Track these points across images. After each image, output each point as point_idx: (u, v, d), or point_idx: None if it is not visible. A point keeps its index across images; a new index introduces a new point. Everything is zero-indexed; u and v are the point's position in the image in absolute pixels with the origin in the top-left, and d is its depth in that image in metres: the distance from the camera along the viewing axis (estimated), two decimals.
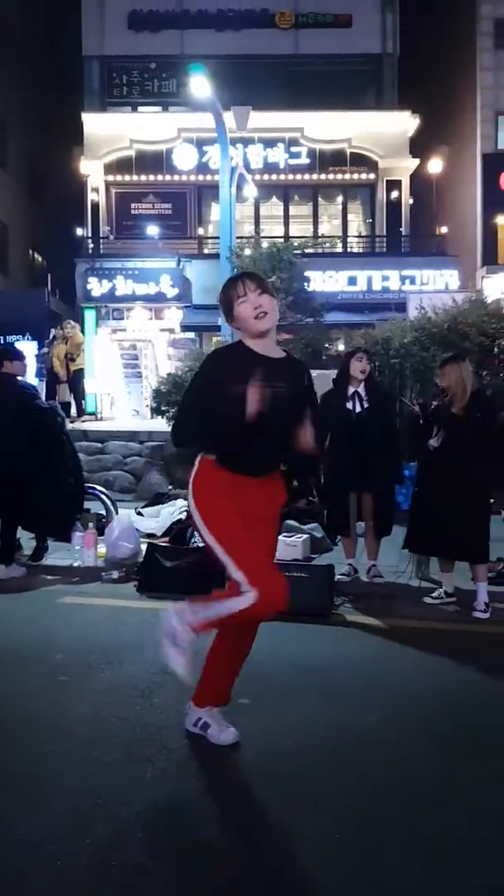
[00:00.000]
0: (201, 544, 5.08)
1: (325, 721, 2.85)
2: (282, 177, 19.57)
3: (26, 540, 5.69)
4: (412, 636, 3.90)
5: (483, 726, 2.83)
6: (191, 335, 17.56)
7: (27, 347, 10.24)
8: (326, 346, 11.03)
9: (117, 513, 6.06)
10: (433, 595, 4.46)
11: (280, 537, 5.16)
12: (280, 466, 2.62)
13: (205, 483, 2.54)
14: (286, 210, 20.15)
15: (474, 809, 2.26)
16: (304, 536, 5.32)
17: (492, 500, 4.43)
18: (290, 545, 5.02)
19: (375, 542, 4.89)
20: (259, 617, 2.47)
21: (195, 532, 5.38)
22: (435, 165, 21.04)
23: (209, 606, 2.49)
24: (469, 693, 3.16)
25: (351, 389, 4.79)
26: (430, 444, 4.43)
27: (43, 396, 6.64)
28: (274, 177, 19.50)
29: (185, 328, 17.49)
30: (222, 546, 2.45)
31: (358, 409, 4.76)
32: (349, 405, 4.77)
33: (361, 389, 4.78)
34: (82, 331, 13.99)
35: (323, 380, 7.72)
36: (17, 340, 14.46)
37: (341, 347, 10.71)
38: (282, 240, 15.09)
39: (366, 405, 4.75)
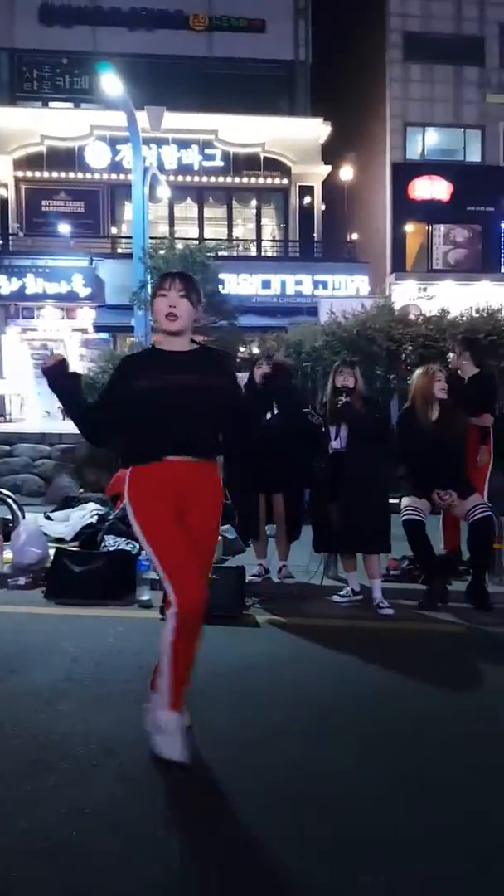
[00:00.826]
0: (112, 548, 5.06)
1: (228, 721, 2.88)
2: (196, 178, 19.58)
3: None
4: (321, 634, 3.98)
5: (389, 720, 2.92)
6: (104, 335, 17.30)
7: None
8: (240, 348, 11.11)
9: (24, 517, 5.90)
10: (341, 593, 4.58)
11: None
12: (209, 455, 2.62)
13: (139, 490, 2.57)
14: (201, 212, 20.18)
15: (381, 806, 2.32)
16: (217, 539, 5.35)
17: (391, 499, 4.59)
18: None
19: (285, 543, 4.98)
20: (186, 625, 2.48)
21: (105, 537, 5.37)
22: (346, 173, 21.62)
23: (161, 671, 2.50)
24: (375, 689, 3.25)
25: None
26: (332, 446, 4.54)
27: None
28: (188, 178, 19.48)
29: (98, 328, 17.21)
30: (156, 554, 2.51)
31: (268, 415, 4.82)
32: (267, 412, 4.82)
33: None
34: None
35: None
36: None
37: (255, 350, 10.82)
38: (196, 241, 15.08)
39: (275, 410, 4.83)
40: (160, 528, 2.52)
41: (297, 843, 2.08)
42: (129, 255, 14.46)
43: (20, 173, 19.27)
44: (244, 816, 2.21)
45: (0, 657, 3.55)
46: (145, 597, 4.64)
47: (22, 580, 5.01)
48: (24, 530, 5.32)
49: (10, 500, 6.05)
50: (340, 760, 2.58)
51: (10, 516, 6.03)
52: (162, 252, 11.65)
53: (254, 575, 4.89)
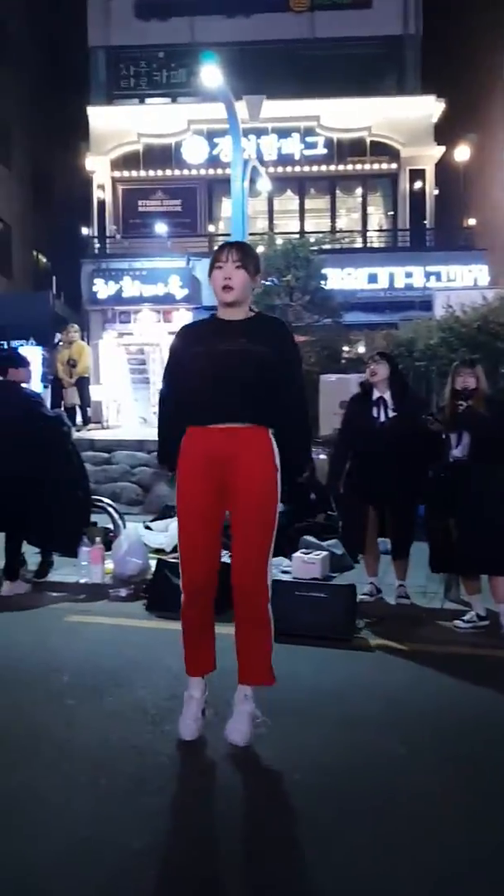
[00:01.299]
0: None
1: (343, 751, 2.86)
2: (297, 169, 19.66)
3: (31, 555, 5.76)
4: (440, 661, 3.90)
5: None
6: None
7: (31, 353, 10.38)
8: (345, 348, 11.06)
9: (125, 527, 6.11)
10: (464, 618, 4.45)
11: (297, 554, 5.19)
12: (256, 421, 2.77)
13: (182, 461, 2.83)
14: (302, 204, 20.24)
15: (500, 845, 2.26)
16: (323, 554, 5.32)
17: None
18: (307, 563, 5.03)
19: (401, 560, 4.89)
20: (190, 600, 2.88)
21: None
22: (462, 153, 20.94)
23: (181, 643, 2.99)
24: (498, 722, 3.15)
25: (376, 394, 4.81)
26: (453, 455, 4.43)
27: (48, 404, 6.72)
28: (289, 169, 19.60)
29: None
30: (179, 525, 2.88)
31: (382, 417, 4.77)
32: (374, 412, 4.79)
33: (388, 396, 4.79)
34: (87, 335, 14.13)
35: (342, 384, 7.73)
36: (21, 346, 14.64)
37: (361, 350, 10.73)
38: (297, 235, 15.16)
39: (391, 413, 4.77)
40: (186, 502, 2.82)
41: (424, 873, 2.04)
42: None
43: (117, 174, 20.02)
44: (364, 845, 2.20)
45: (104, 670, 3.69)
46: None
47: (123, 591, 5.18)
48: (126, 540, 5.50)
49: (110, 509, 6.30)
50: (453, 800, 2.51)
51: (111, 525, 6.28)
52: (261, 248, 11.80)
53: (365, 594, 4.84)
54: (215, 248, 2.92)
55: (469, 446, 4.38)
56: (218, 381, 2.73)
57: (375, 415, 4.76)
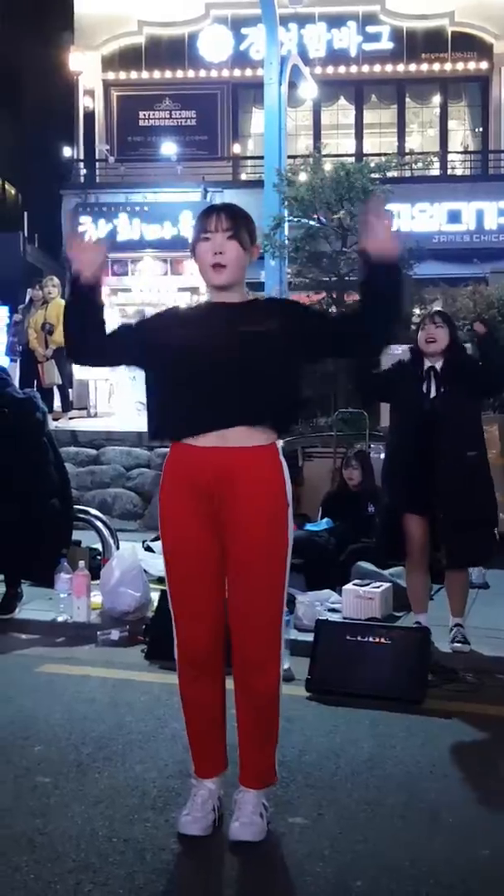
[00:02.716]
0: None
1: (414, 854, 2.84)
2: (353, 69, 19.60)
3: None
4: None
5: None
6: None
7: None
8: (416, 310, 10.97)
9: (118, 548, 6.13)
10: None
11: (349, 587, 5.19)
12: (263, 428, 2.81)
13: (165, 486, 2.90)
14: (359, 117, 20.18)
15: None
16: (384, 586, 5.30)
17: None
18: (363, 598, 5.03)
19: (460, 590, 4.84)
20: (186, 670, 2.93)
21: None
22: None
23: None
24: None
25: (426, 364, 4.80)
26: None
27: (16, 382, 6.76)
28: (342, 69, 19.54)
29: None
30: (166, 574, 2.96)
31: (432, 392, 4.75)
32: (423, 387, 4.78)
33: (440, 366, 4.77)
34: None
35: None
36: None
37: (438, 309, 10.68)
38: (352, 159, 15.08)
39: (443, 389, 4.74)
40: (174, 541, 2.89)
41: None
42: (258, 184, 14.72)
43: (111, 75, 20.14)
44: None
45: (91, 738, 3.70)
46: (283, 665, 4.68)
47: (115, 634, 5.19)
48: (119, 565, 5.52)
49: (98, 524, 6.33)
50: None
51: (99, 546, 6.31)
52: (304, 176, 11.77)
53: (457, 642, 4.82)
54: (204, 213, 2.90)
55: None
56: (212, 382, 2.77)
57: (424, 390, 4.75)
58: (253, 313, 2.88)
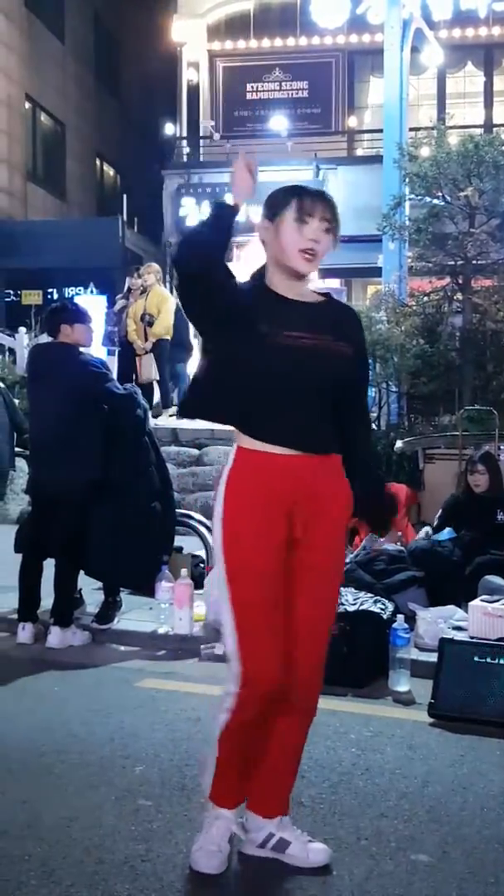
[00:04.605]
0: (351, 608, 5.12)
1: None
2: (482, 31, 19.25)
3: (91, 592, 5.91)
4: None
5: None
6: (335, 283, 17.62)
7: (92, 304, 10.65)
8: None
9: None
10: None
11: (476, 603, 5.11)
12: (333, 449, 2.88)
13: (239, 497, 2.83)
14: (489, 84, 19.83)
15: None
16: None
17: None
18: (493, 615, 4.92)
19: None
20: (247, 709, 2.84)
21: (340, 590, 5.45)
22: None
23: (205, 763, 2.99)
24: None
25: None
26: None
27: (115, 377, 6.88)
28: (470, 32, 19.21)
29: (327, 272, 17.52)
30: (231, 598, 2.84)
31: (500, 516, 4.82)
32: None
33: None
34: (170, 280, 14.36)
35: None
36: (78, 294, 15.04)
37: None
38: (481, 130, 14.83)
39: None
40: (246, 559, 2.80)
41: None
42: (375, 159, 14.63)
43: (216, 45, 20.28)
44: None
45: (196, 759, 3.70)
46: (403, 687, 4.65)
47: (219, 648, 5.22)
48: None
49: (201, 529, 6.38)
50: None
51: (202, 552, 6.36)
52: (427, 150, 11.63)
53: None
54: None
55: None
56: (300, 387, 2.81)
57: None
58: (336, 327, 2.89)
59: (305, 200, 2.83)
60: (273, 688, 2.81)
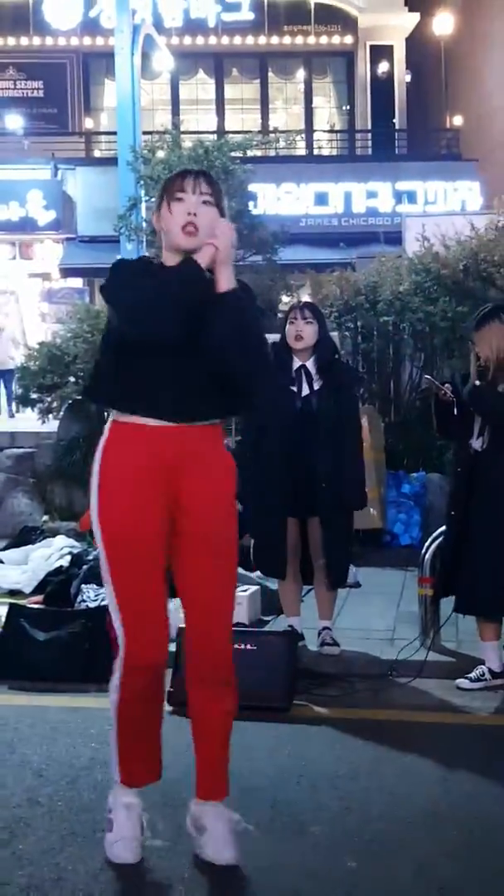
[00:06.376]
0: (93, 604, 5.10)
1: (278, 866, 2.88)
2: (213, 41, 19.72)
3: None
4: (426, 736, 4.00)
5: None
6: (78, 282, 17.48)
7: None
8: (283, 297, 11.12)
9: None
10: (470, 676, 4.56)
11: None
12: (212, 416, 2.90)
13: (115, 464, 2.83)
14: (220, 92, 20.33)
15: None
16: (252, 589, 5.35)
17: None
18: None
19: (327, 592, 4.97)
20: (137, 681, 2.86)
21: (83, 587, 5.42)
22: (443, 23, 21.35)
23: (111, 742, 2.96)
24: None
25: (296, 363, 4.84)
26: (473, 447, 4.53)
27: None
28: (200, 40, 19.63)
29: (68, 272, 17.40)
30: (110, 571, 2.83)
31: (305, 391, 4.82)
32: (293, 387, 4.82)
33: (311, 364, 4.83)
34: None
35: None
36: None
37: (306, 298, 10.82)
38: (213, 136, 15.16)
39: (315, 387, 4.80)
40: (126, 532, 2.80)
41: None
42: (112, 161, 14.57)
43: None
44: None
45: None
46: None
47: None
48: None
49: None
50: None
51: None
52: (161, 153, 11.75)
53: (326, 642, 4.94)
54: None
55: (488, 436, 4.48)
56: (178, 361, 2.81)
57: (296, 389, 4.81)
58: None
59: (176, 180, 2.88)
60: (156, 658, 2.85)
